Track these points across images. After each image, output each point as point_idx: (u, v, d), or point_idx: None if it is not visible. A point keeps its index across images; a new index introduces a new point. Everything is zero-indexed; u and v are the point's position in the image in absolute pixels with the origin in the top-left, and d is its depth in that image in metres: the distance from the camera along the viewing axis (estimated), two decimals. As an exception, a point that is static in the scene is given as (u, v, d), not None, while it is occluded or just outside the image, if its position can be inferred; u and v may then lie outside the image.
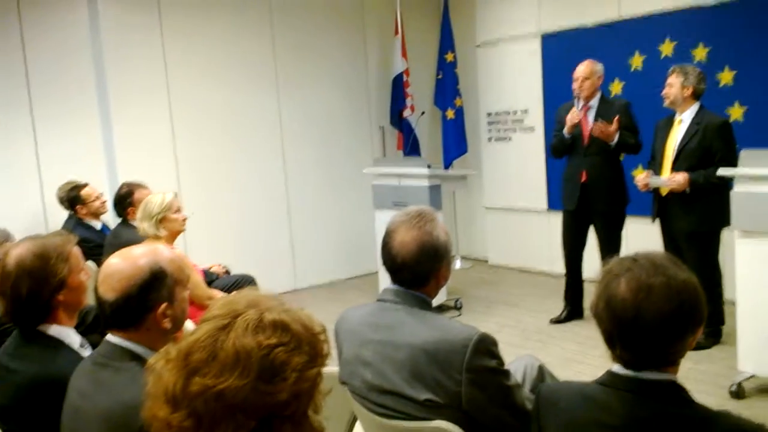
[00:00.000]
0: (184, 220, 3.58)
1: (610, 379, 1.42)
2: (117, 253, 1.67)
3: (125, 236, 4.00)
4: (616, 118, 4.49)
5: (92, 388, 1.56)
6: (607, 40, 5.70)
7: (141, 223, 3.46)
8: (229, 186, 6.11)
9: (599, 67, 4.72)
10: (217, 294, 3.68)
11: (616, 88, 5.67)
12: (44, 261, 1.89)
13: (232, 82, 6.12)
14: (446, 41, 6.93)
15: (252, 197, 6.27)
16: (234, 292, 1.12)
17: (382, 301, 1.97)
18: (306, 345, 1.03)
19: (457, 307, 5.38)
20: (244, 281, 4.31)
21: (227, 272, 4.51)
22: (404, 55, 6.79)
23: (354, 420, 2.19)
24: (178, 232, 3.60)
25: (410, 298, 1.90)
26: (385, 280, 5.64)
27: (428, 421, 1.77)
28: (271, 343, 1.00)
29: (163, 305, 1.62)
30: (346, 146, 6.82)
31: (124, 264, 1.61)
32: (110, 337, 1.62)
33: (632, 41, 5.57)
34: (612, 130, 4.48)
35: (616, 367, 1.42)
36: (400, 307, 1.90)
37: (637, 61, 5.57)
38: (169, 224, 3.46)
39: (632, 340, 1.36)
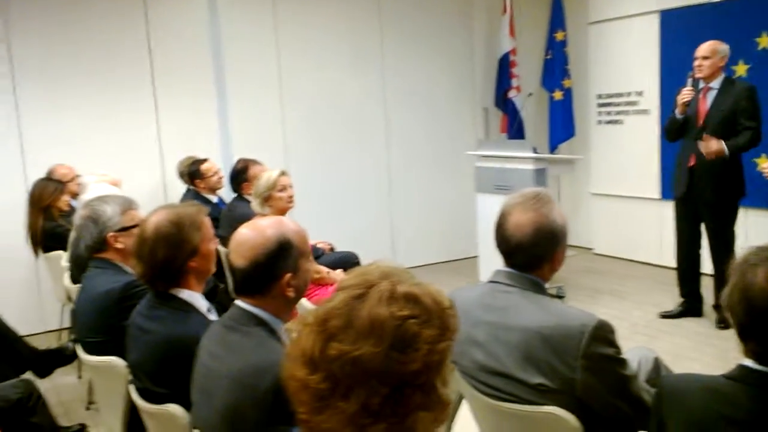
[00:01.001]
0: (290, 197, 3.68)
1: (741, 373, 1.36)
2: (246, 224, 1.77)
3: (239, 210, 4.20)
4: (716, 141, 4.20)
5: (222, 349, 1.66)
6: (732, 18, 5.33)
7: (254, 200, 3.61)
8: (333, 165, 6.26)
9: (723, 47, 4.42)
10: (323, 270, 3.78)
11: (741, 70, 5.30)
12: (179, 228, 2.02)
13: (339, 63, 6.24)
14: (557, 19, 6.72)
15: (354, 176, 6.39)
16: (366, 264, 1.16)
17: (494, 282, 1.96)
18: (436, 319, 1.06)
19: (560, 296, 5.27)
20: (349, 259, 4.40)
21: (332, 249, 4.63)
22: (512, 34, 6.65)
23: (460, 399, 2.21)
24: (285, 210, 3.70)
25: (524, 281, 1.88)
26: (485, 265, 5.62)
27: (540, 406, 1.76)
28: (404, 314, 1.03)
29: (288, 275, 1.70)
30: (448, 128, 6.79)
31: (253, 234, 1.70)
32: (239, 303, 1.72)
33: (760, 19, 5.18)
34: (715, 149, 4.20)
35: (749, 362, 1.36)
36: (513, 289, 1.89)
37: (764, 41, 5.18)
38: (274, 202, 3.58)
39: (769, 333, 1.29)
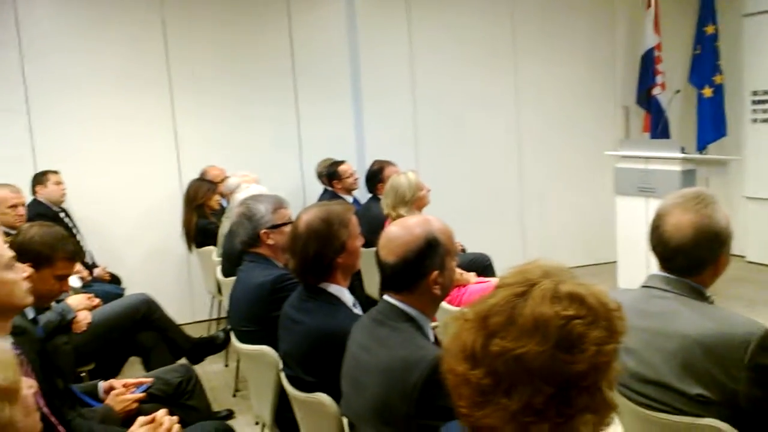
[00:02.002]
0: (428, 191, 3.75)
1: None
2: (395, 222, 1.81)
3: (374, 210, 4.30)
4: None
5: (372, 342, 1.71)
6: None
7: (395, 209, 3.65)
8: (464, 166, 6.24)
9: None
10: (457, 271, 3.78)
11: None
12: (329, 225, 2.12)
13: (472, 65, 6.22)
14: (707, 12, 6.28)
15: (486, 178, 6.34)
16: (525, 262, 1.15)
17: (648, 287, 1.87)
18: (603, 320, 1.03)
19: (709, 305, 4.90)
20: (481, 261, 4.37)
21: (463, 250, 4.62)
22: (657, 28, 6.30)
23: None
24: (424, 206, 3.77)
25: (682, 286, 1.78)
26: (625, 271, 5.34)
27: (699, 418, 1.66)
28: (569, 314, 1.01)
29: (435, 272, 1.72)
30: (586, 127, 6.55)
31: (402, 232, 1.74)
32: (387, 298, 1.76)
33: None
34: None
35: None
36: (669, 295, 1.79)
37: None
38: (419, 202, 3.64)
39: None
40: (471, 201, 6.26)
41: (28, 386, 1.39)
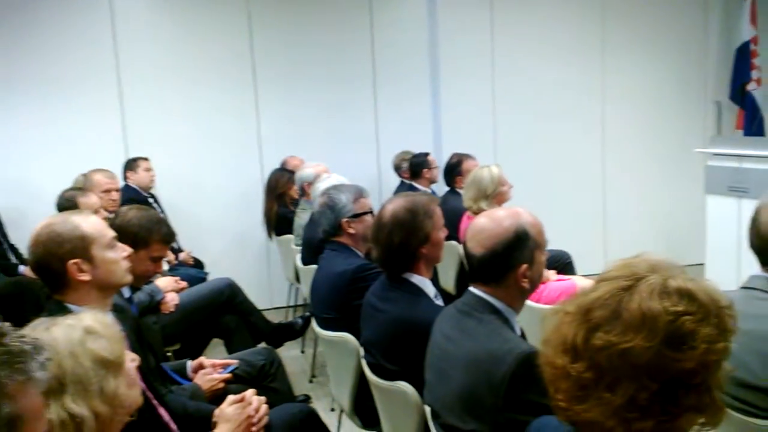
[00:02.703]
0: (510, 187, 3.69)
1: None
2: (484, 213, 1.80)
3: (452, 203, 4.28)
4: None
5: (457, 333, 1.71)
6: None
7: (476, 201, 3.62)
8: (544, 161, 6.10)
9: None
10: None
11: None
12: (414, 215, 2.12)
13: (556, 59, 6.07)
14: (810, 2, 5.90)
15: (566, 174, 6.18)
16: (630, 256, 1.11)
17: (748, 288, 1.78)
18: (713, 317, 0.99)
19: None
20: (561, 258, 4.28)
21: (542, 246, 4.53)
22: (753, 21, 5.97)
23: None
24: (504, 202, 3.72)
25: (786, 289, 1.69)
26: (713, 273, 5.11)
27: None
28: (678, 310, 0.97)
29: (524, 266, 1.69)
30: (674, 122, 6.29)
31: (491, 223, 1.72)
32: (474, 289, 1.75)
33: None
34: None
35: None
36: (772, 296, 1.70)
37: None
38: (500, 197, 3.60)
39: None
40: (551, 197, 6.12)
41: (131, 360, 1.46)
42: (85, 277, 1.85)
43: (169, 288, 3.40)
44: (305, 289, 4.24)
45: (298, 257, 4.00)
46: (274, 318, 4.35)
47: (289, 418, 2.09)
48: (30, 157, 5.07)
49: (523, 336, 1.76)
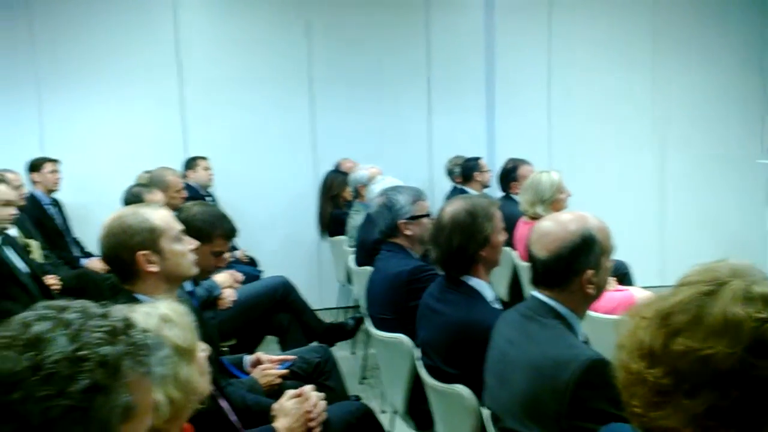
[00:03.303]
0: (568, 195, 3.64)
1: None
2: (549, 217, 1.78)
3: (506, 209, 4.20)
4: None
5: (520, 337, 1.69)
6: None
7: (532, 206, 3.58)
8: (599, 170, 6.00)
9: None
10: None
11: None
12: (473, 218, 2.11)
13: (611, 62, 5.98)
14: None
15: (623, 183, 6.06)
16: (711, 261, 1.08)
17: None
18: (803, 326, 0.96)
19: None
20: (618, 268, 4.17)
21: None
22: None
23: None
24: (560, 210, 3.67)
25: None
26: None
27: None
28: (763, 317, 0.94)
29: (590, 271, 1.67)
30: (734, 132, 6.10)
31: (556, 227, 1.70)
32: (537, 293, 1.73)
33: None
34: None
35: None
36: None
37: None
38: (557, 205, 3.54)
39: None
40: (606, 207, 5.92)
41: (202, 349, 1.50)
42: (154, 268, 1.90)
43: (226, 284, 3.47)
44: (357, 290, 4.27)
45: (351, 258, 4.03)
46: (324, 318, 4.38)
47: (346, 415, 2.11)
48: (95, 155, 5.26)
49: (586, 343, 1.73)
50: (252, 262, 4.99)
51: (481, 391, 1.90)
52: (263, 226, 5.63)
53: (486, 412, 1.83)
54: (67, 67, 5.21)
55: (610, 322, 2.43)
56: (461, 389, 1.96)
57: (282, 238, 5.73)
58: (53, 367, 0.78)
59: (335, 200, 4.98)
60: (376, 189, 3.68)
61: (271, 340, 3.80)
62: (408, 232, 2.76)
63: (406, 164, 5.78)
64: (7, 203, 3.32)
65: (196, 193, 4.89)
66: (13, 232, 3.70)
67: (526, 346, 1.65)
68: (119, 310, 0.90)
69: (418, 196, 2.83)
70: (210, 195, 5.10)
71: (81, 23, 5.24)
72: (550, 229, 1.71)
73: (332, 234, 4.96)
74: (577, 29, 5.96)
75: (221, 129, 5.53)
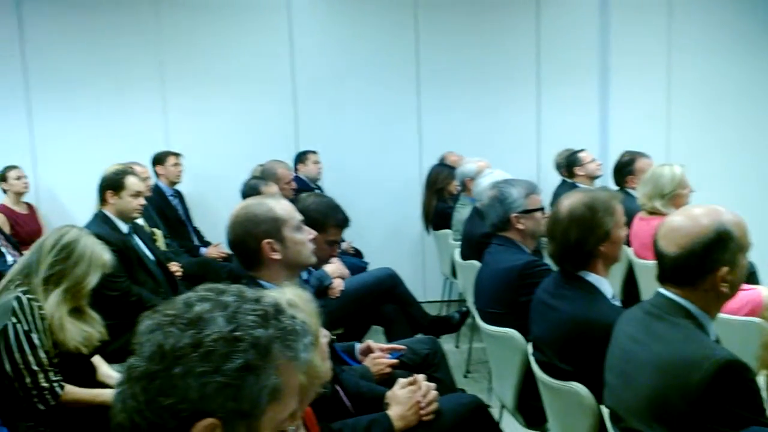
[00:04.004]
0: (690, 192, 3.45)
1: None
2: (679, 211, 1.70)
3: (623, 204, 4.07)
4: None
5: (646, 336, 1.62)
6: None
7: (650, 200, 3.43)
8: (721, 164, 5.63)
9: None
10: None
11: None
12: (593, 212, 2.05)
13: (737, 58, 5.62)
14: None
15: (745, 183, 5.66)
16: None
17: None
18: None
19: None
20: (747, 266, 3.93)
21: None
22: None
23: None
24: (680, 206, 3.48)
25: None
26: None
27: None
28: None
29: (725, 269, 1.58)
30: None
31: (688, 221, 1.62)
32: (664, 291, 1.65)
33: None
34: None
35: None
36: None
37: None
38: (678, 201, 3.37)
39: None
40: (732, 203, 5.61)
41: (324, 335, 1.55)
42: (277, 256, 1.98)
43: (336, 274, 3.56)
44: (462, 283, 4.25)
45: (457, 252, 4.02)
46: (429, 311, 4.39)
47: (458, 407, 2.11)
48: (213, 149, 5.52)
49: (718, 343, 1.64)
50: (358, 254, 5.08)
51: (597, 389, 1.84)
52: (369, 218, 5.70)
53: (606, 411, 1.78)
54: (189, 66, 5.49)
55: (736, 323, 2.29)
56: (578, 387, 1.91)
57: (387, 231, 5.80)
58: (212, 345, 0.83)
59: (440, 194, 4.97)
60: (483, 183, 3.64)
61: (377, 330, 3.86)
62: (520, 226, 2.72)
63: (513, 157, 5.68)
64: (137, 194, 3.54)
65: (306, 186, 5.04)
66: (139, 221, 3.96)
67: (653, 345, 1.58)
68: (270, 296, 0.94)
69: (531, 189, 2.78)
70: (319, 188, 5.24)
71: (204, 22, 5.49)
72: (681, 223, 1.62)
73: (436, 227, 4.97)
74: (699, 12, 5.63)
75: (330, 123, 5.66)
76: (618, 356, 1.71)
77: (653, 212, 3.43)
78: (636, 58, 5.65)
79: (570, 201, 2.11)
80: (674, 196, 3.35)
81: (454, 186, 4.94)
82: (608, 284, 2.11)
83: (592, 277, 2.09)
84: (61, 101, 5.35)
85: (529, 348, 2.28)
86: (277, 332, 0.88)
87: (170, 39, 5.47)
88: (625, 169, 4.20)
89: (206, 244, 5.01)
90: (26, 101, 5.36)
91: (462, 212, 4.38)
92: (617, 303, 2.11)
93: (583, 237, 2.05)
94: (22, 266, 2.33)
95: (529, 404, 2.41)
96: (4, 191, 4.86)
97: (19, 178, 4.88)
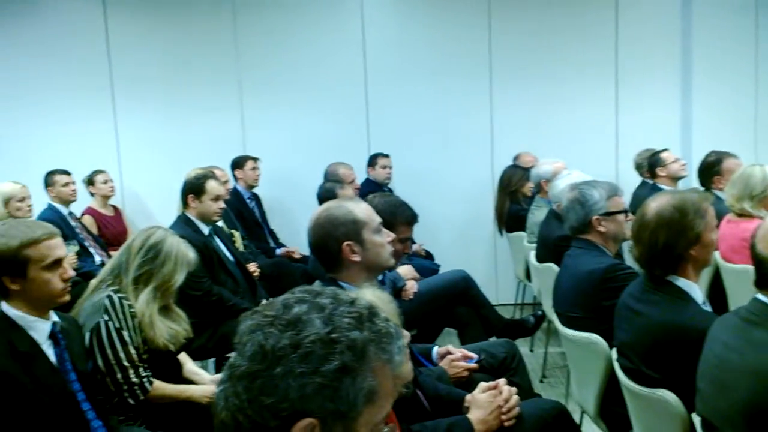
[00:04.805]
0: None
1: None
2: (777, 213, 1.61)
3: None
4: None
5: (742, 343, 1.55)
6: None
7: (739, 201, 3.27)
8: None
9: None
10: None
11: None
12: (683, 215, 1.97)
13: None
14: None
15: None
16: None
17: None
18: None
19: None
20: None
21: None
22: None
23: None
24: (770, 210, 3.30)
25: None
26: None
27: None
28: None
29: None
30: None
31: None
32: (762, 297, 1.57)
33: None
34: None
35: None
36: None
37: None
38: (767, 202, 3.20)
39: None
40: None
41: (405, 336, 1.55)
42: (356, 257, 2.01)
43: (409, 276, 3.56)
44: (537, 287, 4.18)
45: (532, 254, 3.95)
46: (502, 315, 4.34)
47: (541, 412, 2.07)
48: (288, 152, 5.62)
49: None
50: (429, 256, 5.07)
51: (686, 396, 1.77)
52: (440, 220, 5.69)
53: (698, 420, 1.71)
54: (266, 72, 5.60)
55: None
56: (667, 394, 1.84)
57: (458, 233, 5.76)
58: (310, 346, 0.85)
59: (514, 195, 4.91)
60: (560, 184, 3.56)
61: (449, 333, 3.84)
62: (602, 229, 2.65)
63: (590, 158, 5.53)
64: (217, 197, 3.65)
65: (376, 188, 5.06)
66: (219, 223, 4.09)
67: (750, 353, 1.50)
68: (364, 299, 0.94)
69: (613, 191, 2.70)
70: (390, 190, 5.26)
71: (279, 29, 5.59)
72: (775, 227, 1.54)
73: (510, 229, 4.90)
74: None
75: (401, 125, 5.67)
76: (712, 363, 1.64)
77: (742, 214, 3.27)
78: (720, 54, 5.42)
79: (658, 203, 2.03)
80: (765, 197, 3.19)
81: (529, 188, 4.86)
82: (699, 289, 2.02)
83: (682, 282, 2.01)
84: (145, 108, 5.57)
85: (614, 354, 2.22)
86: (372, 335, 0.89)
87: (247, 46, 5.61)
88: (711, 170, 4.02)
89: (281, 245, 5.11)
90: (112, 108, 5.62)
91: (537, 214, 4.29)
92: (708, 308, 2.02)
93: (673, 240, 1.97)
94: (112, 267, 2.44)
95: (611, 410, 2.34)
96: (92, 194, 5.11)
97: (105, 182, 5.11)
